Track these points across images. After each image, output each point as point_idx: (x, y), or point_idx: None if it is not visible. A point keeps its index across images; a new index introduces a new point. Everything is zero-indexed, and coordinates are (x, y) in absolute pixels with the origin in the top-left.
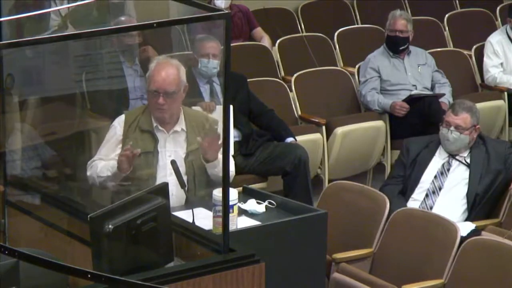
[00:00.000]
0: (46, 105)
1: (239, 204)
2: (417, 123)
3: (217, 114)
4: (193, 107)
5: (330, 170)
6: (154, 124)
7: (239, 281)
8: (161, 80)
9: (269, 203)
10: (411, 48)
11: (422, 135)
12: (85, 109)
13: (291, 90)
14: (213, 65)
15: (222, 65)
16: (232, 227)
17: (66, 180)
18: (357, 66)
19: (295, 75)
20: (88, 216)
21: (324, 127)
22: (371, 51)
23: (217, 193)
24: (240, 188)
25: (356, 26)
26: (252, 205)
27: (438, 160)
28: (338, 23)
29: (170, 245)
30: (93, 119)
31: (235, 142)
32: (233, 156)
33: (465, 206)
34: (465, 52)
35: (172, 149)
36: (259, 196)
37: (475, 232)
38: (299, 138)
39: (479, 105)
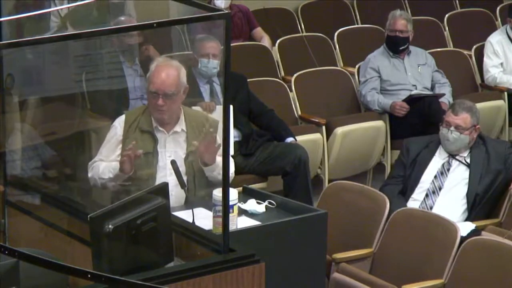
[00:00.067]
0: (46, 105)
1: (239, 204)
2: (417, 123)
3: (217, 114)
4: (193, 107)
5: (330, 170)
6: (154, 125)
7: (239, 281)
8: (160, 81)
9: (269, 203)
10: (411, 48)
11: (422, 135)
12: (85, 109)
13: (291, 90)
14: (213, 65)
15: (222, 65)
16: (232, 227)
17: (66, 180)
18: (357, 66)
19: (295, 75)
20: (88, 216)
21: (324, 127)
22: (371, 51)
23: (217, 193)
24: (240, 188)
25: (356, 26)
26: (252, 205)
27: (438, 160)
28: (338, 23)
29: (170, 245)
30: (93, 119)
31: (235, 142)
32: (233, 156)
33: (465, 206)
34: (465, 52)
35: (172, 150)
36: (259, 196)
37: (475, 232)
38: (299, 138)
39: (479, 105)
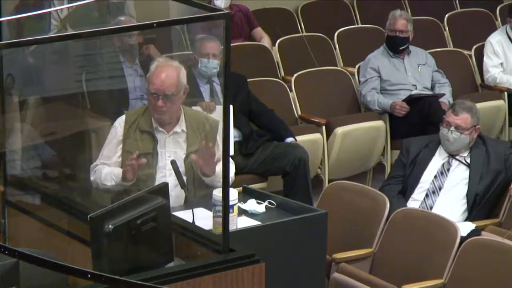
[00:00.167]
0: (46, 105)
1: (239, 204)
2: (417, 123)
3: (217, 114)
4: (193, 107)
5: (330, 170)
6: (154, 125)
7: (239, 281)
8: (160, 82)
9: (269, 203)
10: (411, 48)
11: (422, 135)
12: (85, 109)
13: (291, 90)
14: (213, 65)
15: (222, 65)
16: (232, 227)
17: (66, 180)
18: (357, 66)
19: (295, 75)
20: (88, 216)
21: (324, 127)
22: (371, 51)
23: (217, 193)
24: (240, 188)
25: (356, 26)
26: (252, 205)
27: (438, 160)
28: (338, 23)
29: (170, 245)
30: (93, 119)
31: (235, 142)
32: (233, 156)
33: (465, 206)
34: (465, 52)
35: (172, 150)
36: (259, 196)
37: (475, 232)
38: (299, 138)
39: (479, 105)
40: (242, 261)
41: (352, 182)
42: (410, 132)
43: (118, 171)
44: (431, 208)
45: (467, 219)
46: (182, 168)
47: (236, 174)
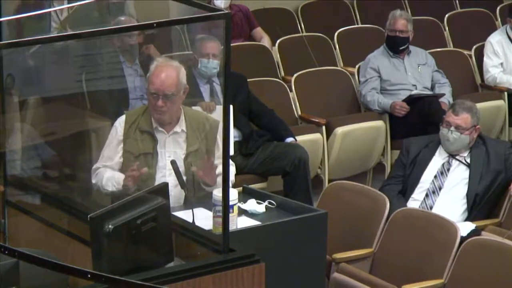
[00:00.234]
0: (46, 105)
1: (239, 204)
2: (417, 123)
3: (217, 114)
4: (193, 107)
5: (330, 170)
6: (154, 125)
7: (239, 281)
8: (160, 82)
9: (269, 203)
10: (411, 48)
11: (422, 135)
12: (85, 109)
13: (291, 90)
14: (213, 65)
15: (222, 65)
16: (232, 227)
17: (66, 180)
18: (357, 66)
19: (295, 75)
20: (88, 216)
21: (324, 127)
22: (371, 51)
23: (217, 193)
24: (240, 188)
25: (356, 26)
26: (252, 205)
27: (438, 160)
28: (338, 23)
29: (170, 245)
30: (93, 119)
31: (235, 142)
32: (232, 156)
33: (465, 206)
34: (465, 52)
35: (171, 150)
36: (259, 196)
37: (475, 232)
38: (299, 138)
39: (479, 105)
40: (242, 261)
41: (352, 182)
42: (410, 132)
43: (119, 176)
44: (431, 208)
45: (467, 219)
46: (182, 168)
47: (236, 174)
